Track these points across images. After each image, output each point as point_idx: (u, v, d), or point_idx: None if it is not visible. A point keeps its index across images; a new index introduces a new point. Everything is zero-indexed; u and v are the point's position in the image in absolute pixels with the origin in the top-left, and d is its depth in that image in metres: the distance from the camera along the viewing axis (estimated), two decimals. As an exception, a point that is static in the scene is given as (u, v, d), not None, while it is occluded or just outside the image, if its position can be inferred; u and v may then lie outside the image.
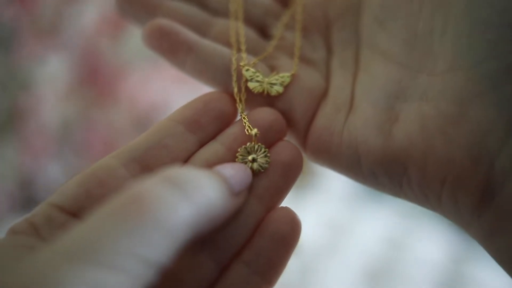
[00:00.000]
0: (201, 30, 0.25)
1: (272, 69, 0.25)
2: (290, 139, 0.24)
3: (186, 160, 0.21)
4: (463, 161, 0.19)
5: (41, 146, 0.56)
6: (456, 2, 0.21)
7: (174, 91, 0.63)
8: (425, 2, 0.22)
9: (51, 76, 0.57)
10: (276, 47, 0.26)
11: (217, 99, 0.22)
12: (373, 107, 0.22)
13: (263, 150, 0.21)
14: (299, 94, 0.24)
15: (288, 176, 0.21)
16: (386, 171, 0.21)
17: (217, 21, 0.26)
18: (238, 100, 0.23)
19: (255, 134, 0.21)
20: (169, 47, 0.24)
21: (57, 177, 0.57)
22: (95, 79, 0.60)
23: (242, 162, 0.21)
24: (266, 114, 0.23)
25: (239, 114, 0.23)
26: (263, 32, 0.27)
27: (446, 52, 0.21)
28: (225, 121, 0.22)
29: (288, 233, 0.19)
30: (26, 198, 0.56)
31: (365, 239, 0.68)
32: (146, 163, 0.20)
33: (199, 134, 0.21)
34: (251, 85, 0.23)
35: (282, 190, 0.21)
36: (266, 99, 0.24)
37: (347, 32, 0.26)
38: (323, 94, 0.24)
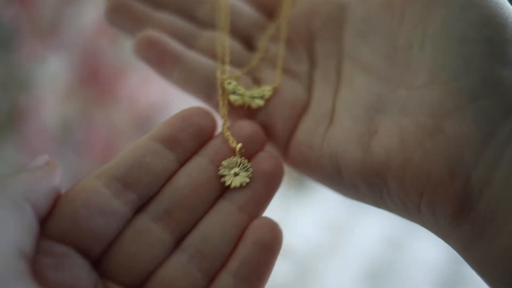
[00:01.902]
0: (188, 41, 0.26)
1: (256, 81, 0.26)
2: (271, 149, 0.25)
3: (167, 176, 0.21)
4: (440, 174, 0.20)
5: (41, 146, 0.56)
6: (433, 18, 0.22)
7: (174, 91, 0.63)
8: (406, 18, 0.23)
9: (51, 76, 0.57)
10: (261, 59, 0.26)
11: (196, 114, 0.23)
12: (352, 120, 0.23)
13: (245, 164, 0.22)
14: (280, 107, 0.24)
15: (270, 185, 0.22)
16: (366, 183, 0.22)
17: (203, 33, 0.26)
18: (222, 114, 0.24)
19: (240, 149, 0.22)
20: (157, 58, 0.24)
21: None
22: (95, 79, 0.60)
23: (224, 175, 0.21)
24: (246, 126, 0.23)
25: (220, 127, 0.24)
26: (249, 43, 0.27)
27: (424, 66, 0.21)
28: (204, 136, 0.23)
29: (270, 241, 0.20)
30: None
31: (365, 239, 0.68)
32: (127, 182, 0.20)
33: (178, 151, 0.22)
34: (232, 98, 0.24)
35: (264, 200, 0.22)
36: (247, 112, 0.24)
37: (330, 44, 0.26)
38: (305, 107, 0.25)
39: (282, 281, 0.59)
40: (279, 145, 0.24)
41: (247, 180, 0.21)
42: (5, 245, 0.16)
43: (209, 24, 0.27)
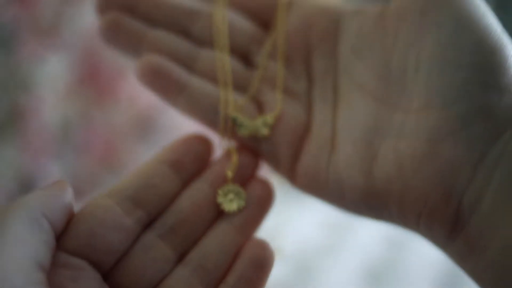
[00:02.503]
0: (187, 63, 0.26)
1: (259, 105, 0.26)
2: (274, 174, 0.27)
3: (172, 196, 0.23)
4: (436, 199, 0.21)
5: (41, 146, 0.56)
6: (426, 40, 0.22)
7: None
8: (399, 37, 0.23)
9: (51, 76, 0.57)
10: (262, 79, 0.27)
11: (196, 140, 0.25)
12: (353, 145, 0.24)
13: (238, 190, 0.24)
14: (284, 135, 0.25)
15: (262, 209, 0.25)
16: (368, 206, 0.23)
17: (202, 53, 0.27)
18: (225, 145, 0.26)
19: (231, 177, 0.24)
20: (161, 87, 0.25)
21: (57, 177, 0.57)
22: (95, 79, 0.60)
23: (221, 203, 0.24)
24: (242, 154, 0.25)
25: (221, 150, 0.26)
26: (246, 59, 0.28)
27: (419, 90, 0.22)
28: (203, 161, 0.25)
29: (264, 259, 0.22)
30: (26, 198, 0.56)
31: (365, 239, 0.68)
32: (137, 201, 0.22)
33: (182, 174, 0.24)
34: (240, 132, 0.25)
35: (258, 221, 0.24)
36: (253, 140, 0.26)
37: (326, 60, 0.26)
38: (306, 131, 0.26)
39: (282, 281, 0.59)
40: (284, 170, 0.26)
41: (243, 204, 0.24)
42: (25, 258, 0.17)
43: (205, 41, 0.27)
